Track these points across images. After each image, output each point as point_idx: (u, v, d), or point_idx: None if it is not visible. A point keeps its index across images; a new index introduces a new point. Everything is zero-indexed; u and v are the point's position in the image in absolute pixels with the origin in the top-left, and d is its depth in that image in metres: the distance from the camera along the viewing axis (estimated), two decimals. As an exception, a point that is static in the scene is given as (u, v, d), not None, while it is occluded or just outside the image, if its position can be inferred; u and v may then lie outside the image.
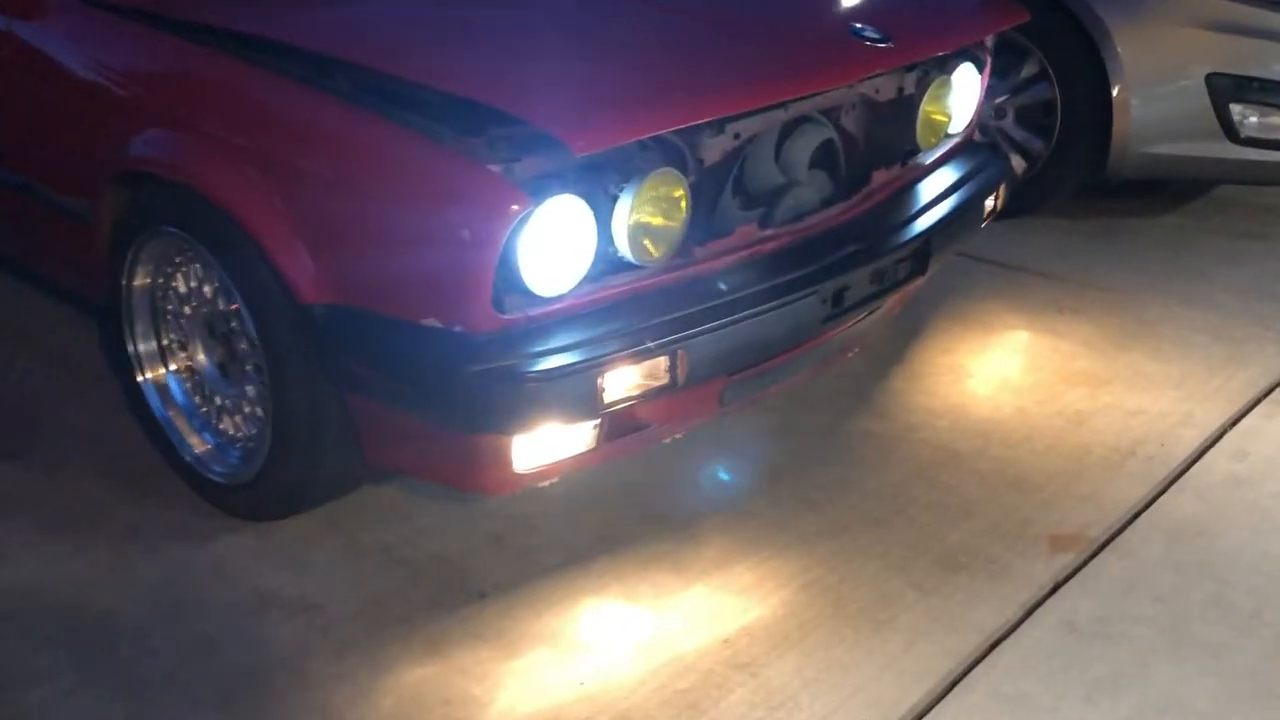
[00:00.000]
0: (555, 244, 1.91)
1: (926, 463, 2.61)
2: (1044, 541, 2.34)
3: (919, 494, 2.50)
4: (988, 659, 2.04)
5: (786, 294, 2.16)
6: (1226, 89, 3.57)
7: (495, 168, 1.87)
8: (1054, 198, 3.90)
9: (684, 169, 2.08)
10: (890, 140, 2.58)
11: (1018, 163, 3.86)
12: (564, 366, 1.90)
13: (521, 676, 2.01)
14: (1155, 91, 3.61)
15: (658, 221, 2.04)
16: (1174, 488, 2.52)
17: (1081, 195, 3.95)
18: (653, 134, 1.99)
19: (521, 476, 2.09)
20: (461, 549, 2.31)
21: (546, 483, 2.16)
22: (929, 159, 2.71)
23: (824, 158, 2.45)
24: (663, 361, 2.01)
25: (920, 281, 2.63)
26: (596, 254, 1.99)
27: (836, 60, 2.27)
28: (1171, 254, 3.70)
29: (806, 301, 2.19)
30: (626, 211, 1.98)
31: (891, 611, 2.15)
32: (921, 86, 2.59)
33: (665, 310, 2.03)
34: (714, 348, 2.07)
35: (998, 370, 3.03)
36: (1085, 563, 2.28)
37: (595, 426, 2.11)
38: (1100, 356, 3.07)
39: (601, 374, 1.94)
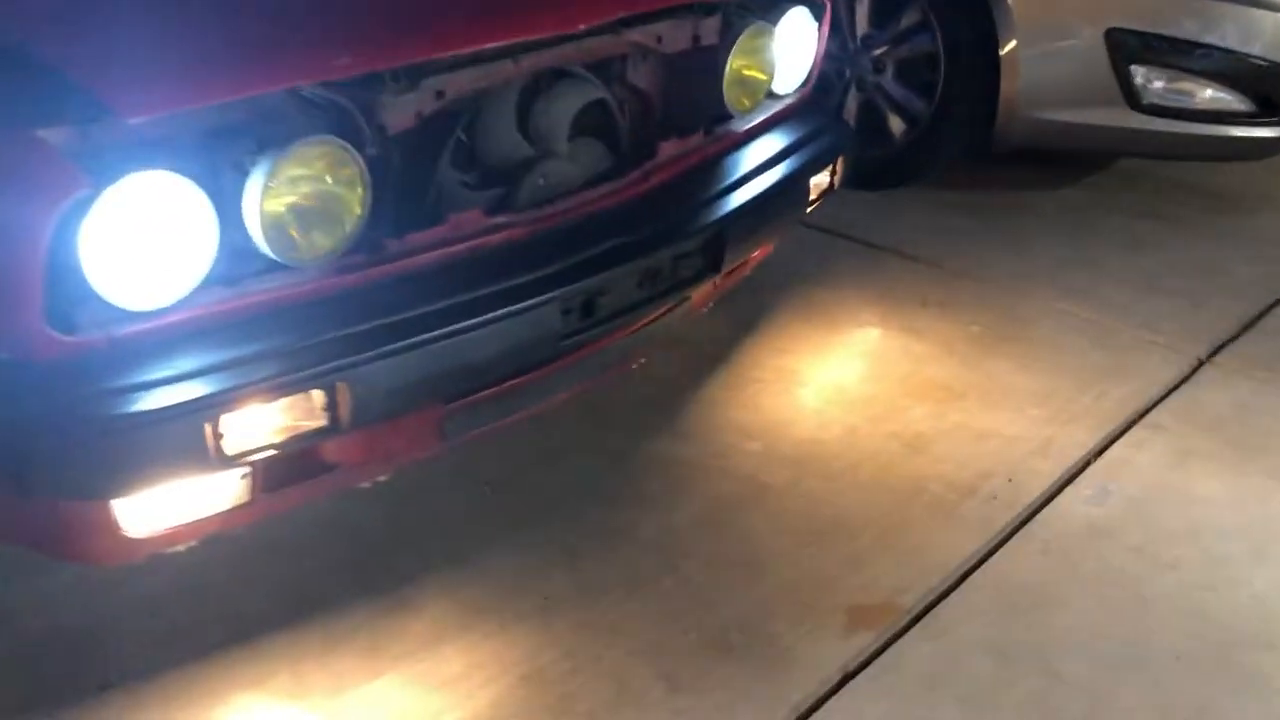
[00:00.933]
0: (145, 238, 1.40)
1: (724, 501, 2.14)
2: (841, 614, 1.89)
3: (703, 544, 2.03)
4: (735, 787, 1.61)
5: (506, 304, 1.65)
6: (1128, 48, 3.08)
7: (45, 133, 1.35)
8: (934, 167, 3.40)
9: (358, 138, 1.57)
10: (689, 103, 2.08)
11: (896, 124, 3.38)
12: (155, 409, 1.40)
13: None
14: (1048, 47, 3.12)
15: (312, 205, 1.53)
16: (1015, 539, 2.07)
17: (973, 166, 3.48)
18: (244, 94, 1.45)
19: (139, 542, 1.59)
20: (99, 619, 1.81)
21: (183, 546, 1.67)
22: (744, 126, 2.21)
23: (597, 124, 1.96)
24: (316, 397, 1.52)
25: (717, 281, 2.15)
26: (222, 250, 1.47)
27: (555, 5, 1.74)
28: (1066, 237, 3.23)
29: (536, 314, 1.69)
30: (258, 194, 1.46)
31: (625, 717, 1.69)
32: (727, 36, 2.08)
33: (320, 327, 1.53)
34: (392, 378, 1.56)
35: (835, 377, 2.56)
36: (886, 645, 1.83)
37: (245, 476, 1.61)
38: (959, 363, 2.62)
39: (216, 416, 1.43)
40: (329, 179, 1.53)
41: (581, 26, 1.74)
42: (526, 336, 1.70)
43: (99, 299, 1.39)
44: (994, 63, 3.14)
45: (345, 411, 1.53)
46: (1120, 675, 1.80)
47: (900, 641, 1.83)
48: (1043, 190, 3.51)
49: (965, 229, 3.25)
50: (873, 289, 2.90)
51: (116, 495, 1.48)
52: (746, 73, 2.16)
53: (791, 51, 2.27)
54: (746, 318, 2.72)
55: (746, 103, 2.18)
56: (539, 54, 1.74)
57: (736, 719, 1.69)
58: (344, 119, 1.55)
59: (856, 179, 3.45)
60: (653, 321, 2.07)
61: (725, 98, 2.11)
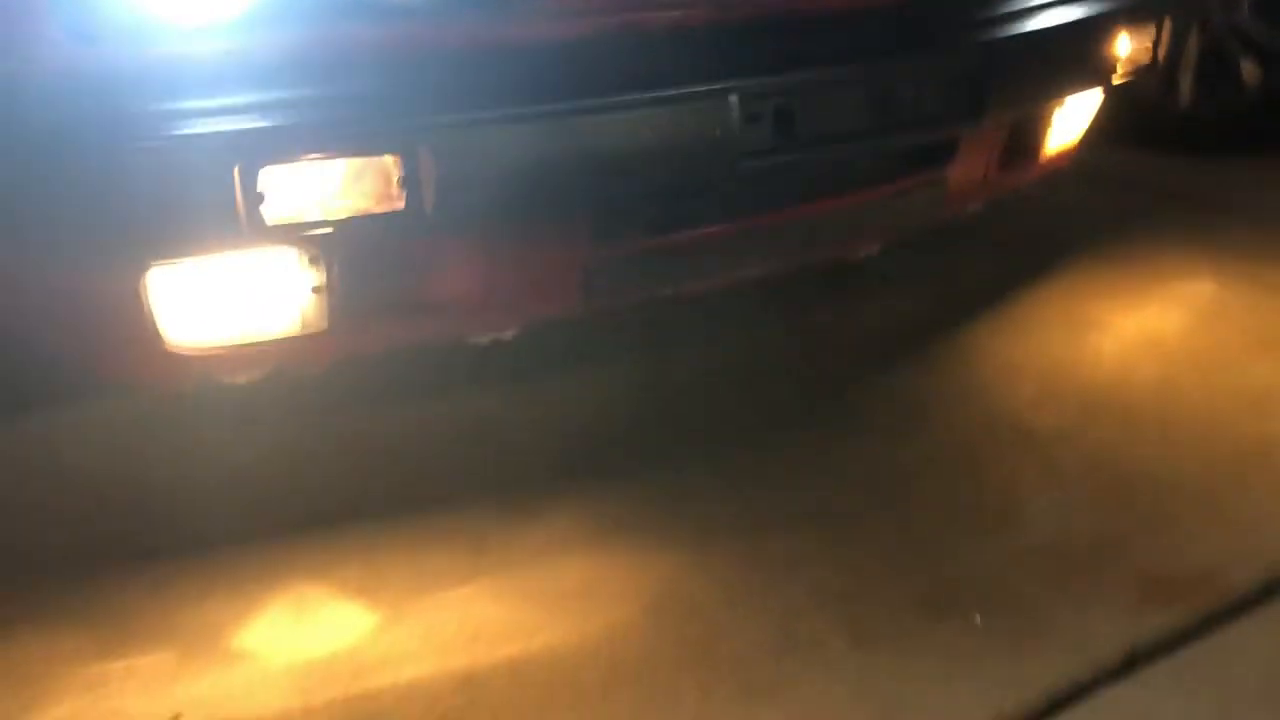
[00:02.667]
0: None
1: (972, 442, 1.56)
2: (1130, 583, 1.28)
3: (934, 486, 1.47)
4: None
5: (660, 87, 1.23)
6: None
7: None
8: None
9: None
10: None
11: (1250, 71, 2.69)
12: (175, 137, 1.07)
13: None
14: None
15: None
16: None
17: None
18: None
19: (186, 360, 1.25)
20: (187, 486, 1.50)
21: (244, 378, 1.33)
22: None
23: None
24: (389, 164, 1.14)
25: (984, 152, 1.62)
26: None
27: None
28: None
29: (703, 106, 1.25)
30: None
31: (786, 669, 1.15)
32: None
33: (409, 76, 1.16)
34: (500, 156, 1.17)
35: (1150, 326, 1.93)
36: (1198, 630, 1.20)
37: (318, 290, 1.26)
38: (1327, 320, 1.93)
39: (252, 165, 1.09)
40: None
41: None
42: (690, 137, 1.25)
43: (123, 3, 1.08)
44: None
45: (430, 192, 1.14)
46: None
47: (1222, 629, 1.21)
48: None
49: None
50: (1207, 244, 2.22)
51: (134, 259, 1.15)
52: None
53: None
54: (1035, 261, 2.15)
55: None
56: None
57: (954, 695, 1.13)
58: None
59: (1200, 140, 2.82)
60: (891, 194, 1.57)
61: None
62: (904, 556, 1.35)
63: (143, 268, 1.16)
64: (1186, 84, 2.79)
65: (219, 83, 1.10)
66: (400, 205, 1.15)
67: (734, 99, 1.26)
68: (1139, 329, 1.92)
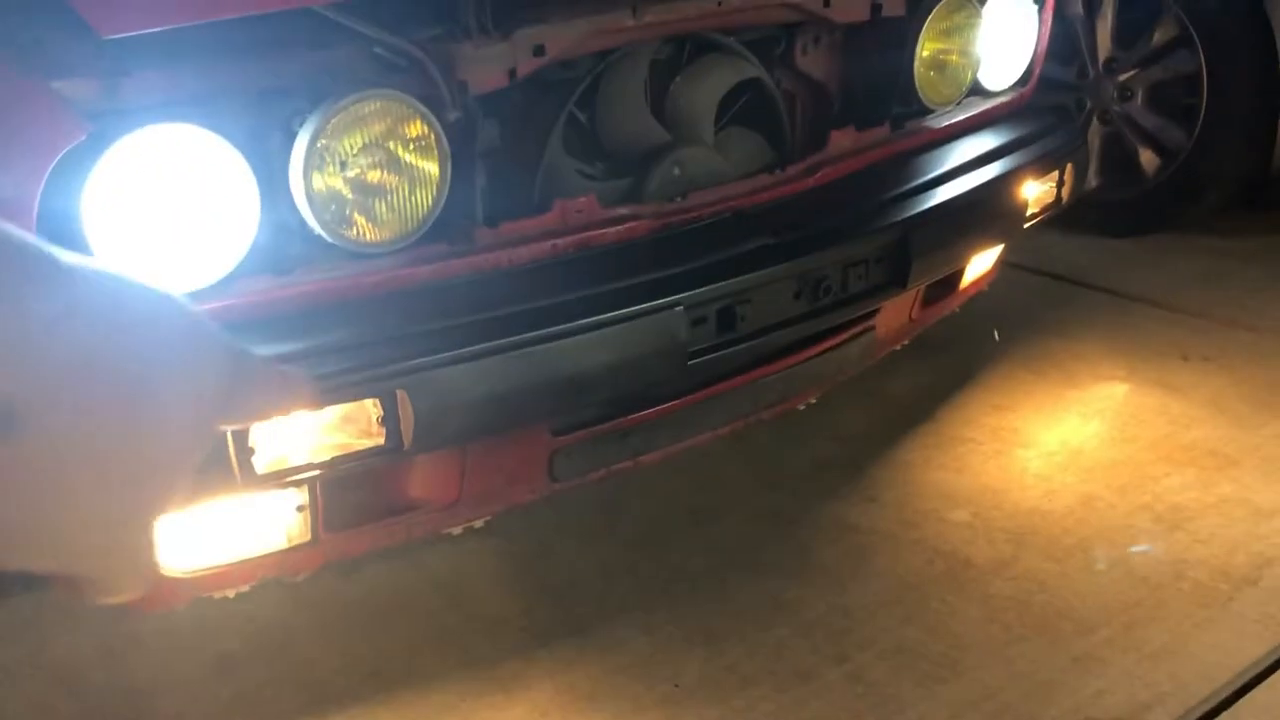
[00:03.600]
0: (168, 206, 1.17)
1: (914, 580, 1.70)
2: (1065, 731, 1.42)
3: (882, 632, 1.59)
4: None
5: (617, 306, 1.34)
6: None
7: (45, 80, 1.14)
8: (1198, 207, 2.86)
9: (433, 96, 1.31)
10: (871, 89, 1.73)
11: (1149, 159, 2.87)
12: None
13: None
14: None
15: (376, 178, 1.27)
16: (1314, 646, 1.55)
17: (1241, 207, 2.92)
18: (234, 12, 1.16)
19: (180, 582, 1.34)
20: (169, 677, 1.57)
21: (231, 592, 1.41)
22: (943, 122, 1.83)
23: (754, 110, 1.64)
24: (370, 408, 1.24)
25: (909, 299, 1.76)
26: (265, 227, 1.23)
27: None
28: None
29: (655, 320, 1.36)
30: (303, 160, 1.22)
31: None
32: (919, 8, 1.72)
33: (380, 324, 1.26)
34: (466, 388, 1.27)
35: (1068, 438, 2.07)
36: (1129, 777, 1.35)
37: (301, 509, 1.35)
38: (1231, 424, 2.07)
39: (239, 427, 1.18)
40: (396, 145, 1.27)
41: None
42: (642, 349, 1.36)
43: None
44: (1272, 83, 2.63)
45: (408, 429, 1.24)
46: None
47: (1148, 773, 1.35)
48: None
49: (1238, 276, 2.68)
50: (1121, 341, 2.40)
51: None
52: (947, 58, 1.80)
53: (1004, 39, 1.89)
54: (959, 368, 2.29)
55: (945, 93, 1.81)
56: (667, 7, 1.44)
57: None
58: (415, 73, 1.29)
59: (1104, 224, 3.00)
60: (825, 351, 1.70)
61: (917, 85, 1.75)
62: (861, 713, 1.46)
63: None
64: (1092, 169, 2.97)
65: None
66: (381, 441, 1.24)
67: (680, 310, 1.38)
68: (1060, 443, 2.06)
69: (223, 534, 1.32)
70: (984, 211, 1.75)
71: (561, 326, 1.30)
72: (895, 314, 1.86)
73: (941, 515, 1.86)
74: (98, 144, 1.11)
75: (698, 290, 1.39)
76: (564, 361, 1.31)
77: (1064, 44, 2.97)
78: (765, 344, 1.50)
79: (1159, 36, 2.80)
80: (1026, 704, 1.45)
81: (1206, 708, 1.43)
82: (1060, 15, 2.89)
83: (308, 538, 1.36)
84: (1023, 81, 1.99)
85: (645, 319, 1.35)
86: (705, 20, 1.50)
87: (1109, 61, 2.89)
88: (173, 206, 1.17)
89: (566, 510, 1.84)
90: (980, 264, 2.04)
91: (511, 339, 1.27)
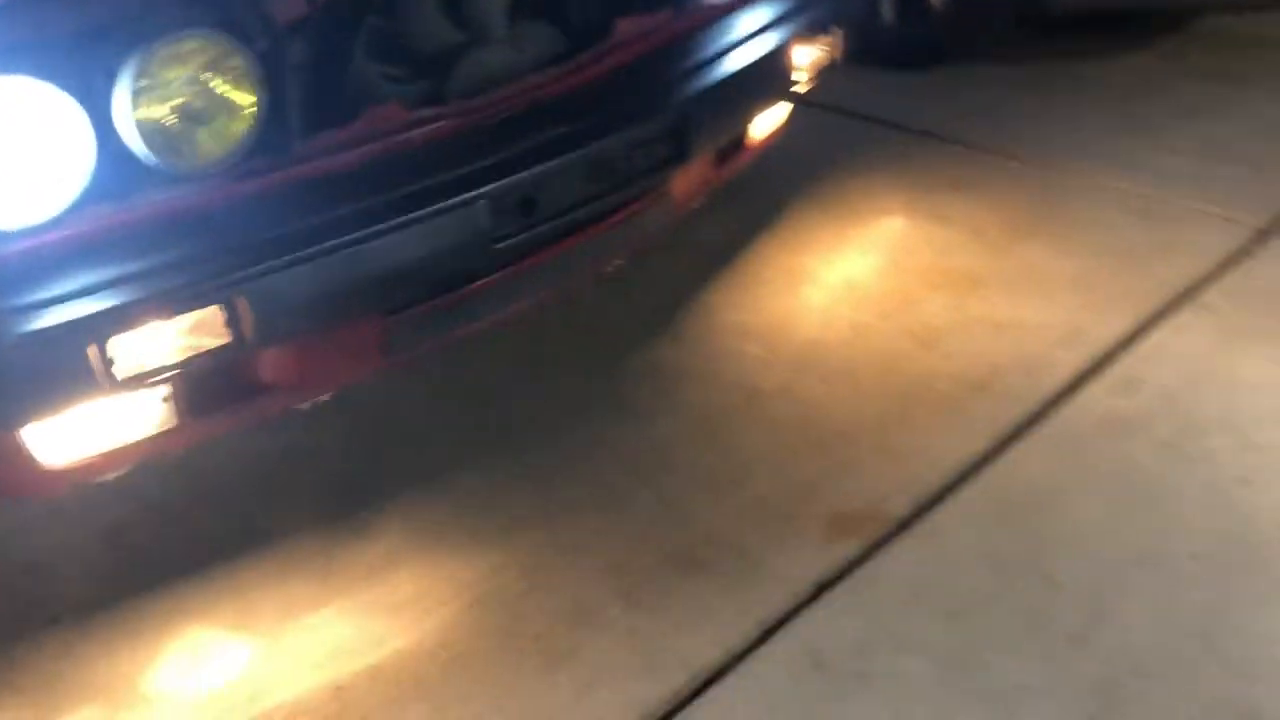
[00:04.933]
0: (10, 150, 1.32)
1: (713, 410, 2.01)
2: (821, 523, 1.75)
3: (684, 457, 1.90)
4: (685, 713, 1.49)
5: (422, 205, 1.54)
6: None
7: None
8: (979, 39, 3.14)
9: (243, 29, 1.45)
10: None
11: (937, -3, 3.11)
12: (29, 332, 1.33)
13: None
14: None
15: (196, 108, 1.42)
16: (1024, 438, 1.89)
17: (1030, 38, 3.19)
18: None
19: (59, 473, 1.53)
20: (61, 549, 1.79)
21: (112, 475, 1.62)
22: None
23: (541, 3, 1.80)
24: (214, 314, 1.43)
25: (708, 172, 1.99)
26: (102, 161, 1.38)
27: None
28: (1125, 107, 2.94)
29: (459, 214, 1.57)
30: (128, 99, 1.37)
31: (577, 638, 1.58)
32: (687, -103, 1.89)
33: (214, 239, 1.44)
34: (298, 290, 1.47)
35: (848, 273, 2.37)
36: (868, 554, 1.68)
37: (166, 399, 1.55)
38: (987, 249, 2.40)
39: (101, 338, 1.36)
40: (212, 78, 1.42)
41: None
42: (450, 241, 1.58)
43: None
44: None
45: (249, 327, 1.44)
46: (1126, 580, 1.62)
47: (884, 551, 1.69)
48: (1106, 59, 3.19)
49: (1014, 106, 2.98)
50: (902, 175, 2.69)
51: (12, 425, 1.43)
52: (716, -61, 1.98)
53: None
54: (759, 213, 2.55)
55: (718, -27, 2.00)
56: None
57: (697, 636, 1.57)
58: (223, 9, 1.43)
59: (896, 59, 3.25)
60: (624, 220, 1.93)
61: (689, -32, 1.94)
62: (661, 525, 1.77)
63: (16, 424, 1.42)
64: (888, 7, 3.20)
65: (57, 274, 1.35)
66: (228, 339, 1.44)
67: (481, 203, 1.58)
68: (840, 277, 2.35)
69: (95, 426, 1.52)
70: (756, 82, 1.97)
71: (374, 227, 1.50)
72: (690, 178, 2.08)
73: (737, 350, 2.15)
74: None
75: (496, 183, 1.59)
76: (380, 258, 1.51)
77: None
78: (566, 223, 1.72)
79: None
80: (792, 504, 1.78)
81: (932, 493, 1.78)
82: None
83: (174, 423, 1.56)
84: (797, -50, 2.18)
85: (450, 214, 1.55)
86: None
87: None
88: (11, 148, 1.31)
89: (414, 370, 2.06)
90: (768, 122, 2.27)
91: (330, 242, 1.47)
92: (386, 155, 1.58)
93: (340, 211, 1.50)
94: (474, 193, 1.58)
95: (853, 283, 2.34)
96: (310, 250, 1.47)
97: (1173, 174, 2.61)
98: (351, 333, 1.67)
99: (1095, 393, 1.98)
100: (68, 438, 1.51)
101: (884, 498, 1.78)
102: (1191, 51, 3.22)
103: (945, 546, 1.70)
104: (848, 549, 1.69)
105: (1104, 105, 2.96)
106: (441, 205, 1.55)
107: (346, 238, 1.49)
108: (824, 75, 2.17)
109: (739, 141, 2.23)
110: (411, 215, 1.53)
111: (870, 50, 3.23)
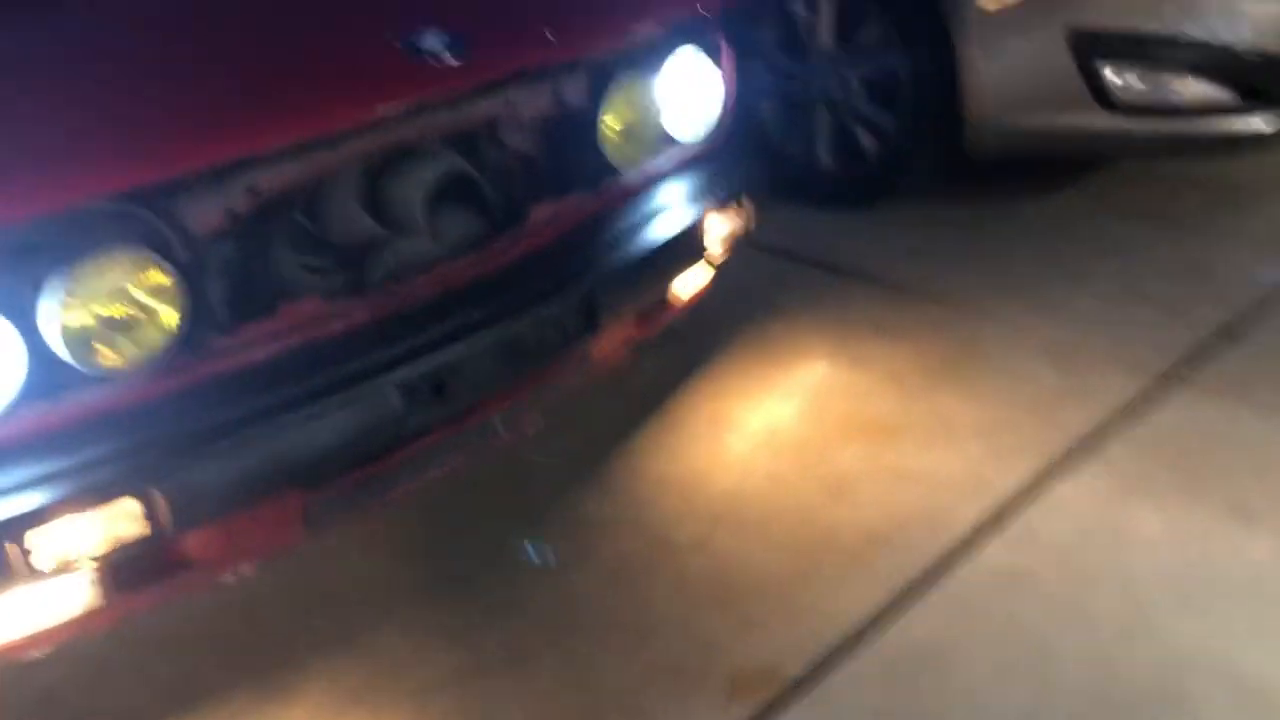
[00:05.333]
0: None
1: (627, 562, 2.10)
2: (722, 683, 1.83)
3: (595, 614, 1.99)
4: None
5: (329, 395, 1.65)
6: (1093, 45, 2.94)
7: None
8: (908, 182, 3.30)
9: (163, 243, 1.58)
10: (565, 162, 2.04)
11: (869, 142, 3.27)
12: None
13: None
14: (1007, 52, 2.99)
15: (118, 316, 1.54)
16: (922, 593, 1.98)
17: (961, 178, 3.35)
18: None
19: (-11, 652, 1.63)
20: (-5, 713, 1.87)
21: (37, 654, 1.70)
22: (637, 178, 2.15)
23: (462, 192, 1.93)
24: (130, 506, 1.54)
25: (588, 349, 2.09)
26: (34, 366, 1.50)
27: (354, 91, 1.68)
28: (1048, 246, 3.08)
29: (369, 401, 1.69)
30: (55, 310, 1.49)
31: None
32: (597, 92, 2.03)
33: (127, 435, 1.54)
34: (210, 481, 1.58)
35: (770, 420, 2.48)
36: (761, 716, 1.77)
37: (93, 581, 1.64)
38: (904, 396, 2.52)
39: (17, 534, 1.46)
40: (134, 288, 1.54)
41: (380, 112, 1.69)
42: (362, 424, 1.69)
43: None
44: (956, 72, 3.03)
45: (165, 517, 1.55)
46: (1005, 744, 1.70)
47: (778, 713, 1.77)
48: (1032, 198, 3.35)
49: (940, 247, 3.12)
50: (829, 317, 2.81)
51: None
52: (630, 123, 2.12)
53: (689, 95, 2.21)
54: (689, 356, 2.67)
55: (635, 154, 2.13)
56: (364, 139, 1.73)
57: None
58: (142, 226, 1.56)
59: (835, 200, 3.41)
60: (541, 386, 2.04)
61: (606, 153, 2.08)
62: (568, 688, 1.85)
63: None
64: (823, 151, 3.37)
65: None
66: (146, 531, 1.54)
67: (391, 389, 1.70)
68: (761, 424, 2.46)
69: (20, 609, 1.61)
70: (666, 255, 2.10)
71: (286, 416, 1.61)
72: (609, 338, 2.21)
73: (656, 501, 2.25)
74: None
75: (406, 369, 1.71)
76: (293, 445, 1.63)
77: (791, 35, 3.34)
78: (477, 399, 1.84)
79: (867, 36, 3.19)
80: (698, 663, 1.86)
81: (828, 652, 1.86)
82: (785, 9, 3.27)
83: (99, 603, 1.66)
84: (717, 126, 2.31)
85: (361, 401, 1.67)
86: (404, 137, 1.78)
87: (829, 55, 3.26)
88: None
89: (347, 528, 2.16)
90: (689, 283, 2.40)
91: (244, 433, 1.58)
92: (300, 346, 1.70)
93: (253, 403, 1.62)
94: (384, 379, 1.70)
95: (773, 430, 2.45)
96: (224, 442, 1.58)
97: (1088, 317, 2.74)
98: (272, 509, 1.77)
99: (991, 547, 2.07)
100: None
101: (782, 657, 1.86)
102: (1119, 189, 3.38)
103: (838, 707, 1.78)
104: (744, 712, 1.77)
105: (1030, 244, 3.10)
106: (352, 393, 1.67)
107: (259, 428, 1.61)
108: (736, 243, 2.31)
109: (666, 302, 2.36)
110: (323, 403, 1.65)
111: (806, 191, 3.43)
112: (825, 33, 3.24)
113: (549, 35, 1.85)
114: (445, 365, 1.77)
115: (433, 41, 1.71)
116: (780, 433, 2.43)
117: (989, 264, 3.00)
